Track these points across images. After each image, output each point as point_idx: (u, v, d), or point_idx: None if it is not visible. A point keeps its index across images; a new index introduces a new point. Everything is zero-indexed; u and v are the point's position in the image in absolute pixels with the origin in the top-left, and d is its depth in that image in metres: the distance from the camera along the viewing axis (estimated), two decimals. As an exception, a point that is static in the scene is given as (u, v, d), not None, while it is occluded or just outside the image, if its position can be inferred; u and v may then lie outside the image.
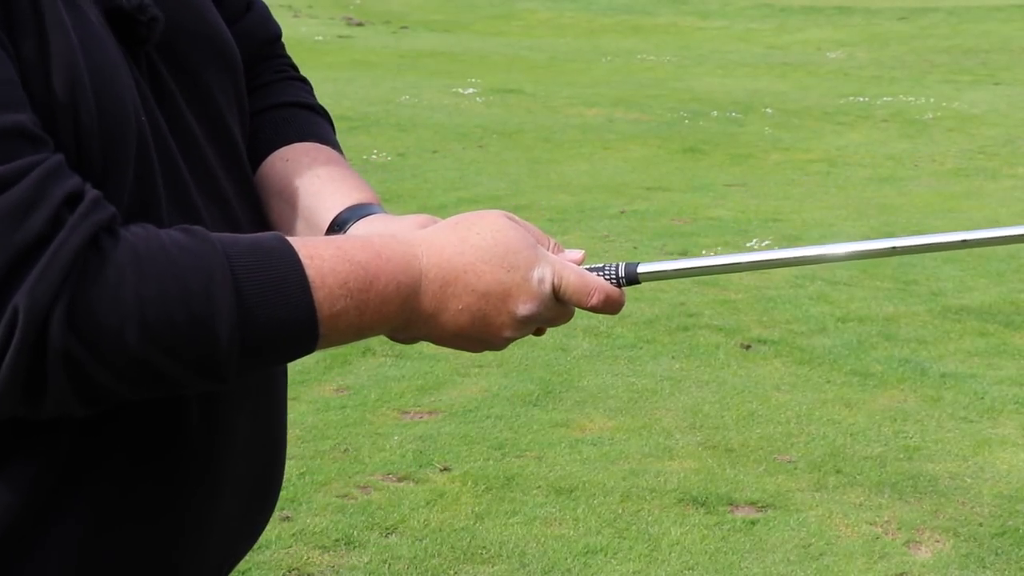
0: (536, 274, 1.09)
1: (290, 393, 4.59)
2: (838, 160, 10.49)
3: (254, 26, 1.35)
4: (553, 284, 1.10)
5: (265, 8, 1.40)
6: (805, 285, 6.33)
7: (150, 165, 1.05)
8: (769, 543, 3.59)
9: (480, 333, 1.09)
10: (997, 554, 3.56)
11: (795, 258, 1.18)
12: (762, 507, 3.81)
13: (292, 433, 4.26)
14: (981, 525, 3.72)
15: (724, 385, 4.87)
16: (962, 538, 3.64)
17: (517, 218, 1.13)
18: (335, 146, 1.32)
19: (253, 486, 1.21)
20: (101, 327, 0.92)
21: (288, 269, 0.99)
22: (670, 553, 3.52)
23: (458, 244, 1.07)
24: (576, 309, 1.15)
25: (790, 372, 5.04)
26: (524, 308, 1.08)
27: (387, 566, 3.40)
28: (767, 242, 7.28)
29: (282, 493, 4.34)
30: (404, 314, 1.06)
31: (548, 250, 1.13)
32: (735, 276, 6.50)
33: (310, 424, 4.35)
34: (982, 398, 4.76)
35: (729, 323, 5.65)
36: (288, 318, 0.99)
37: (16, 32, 0.96)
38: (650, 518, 3.72)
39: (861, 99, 13.98)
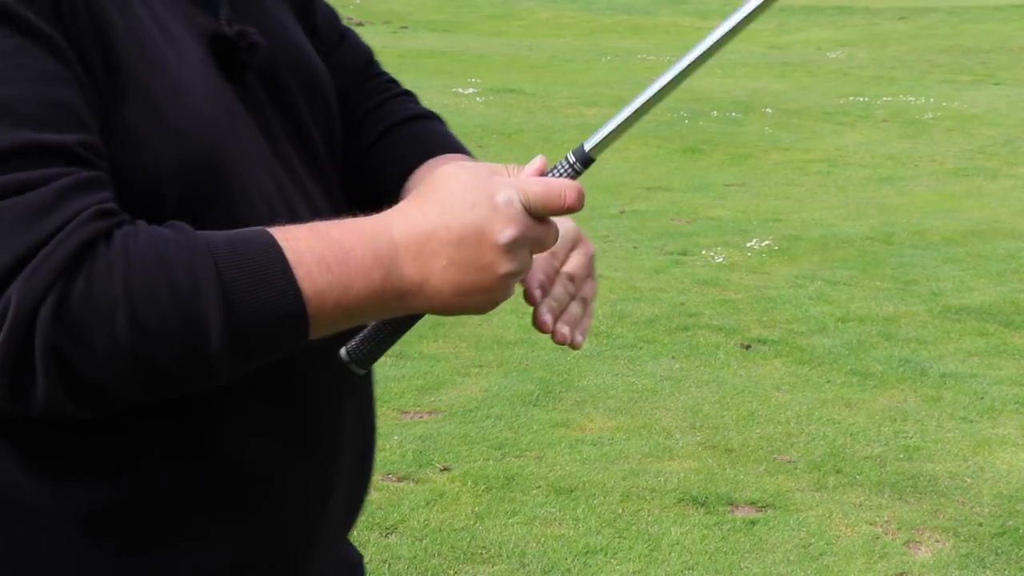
0: (500, 198, 1.07)
1: (290, 393, 4.62)
2: (838, 160, 10.50)
3: (351, 55, 1.37)
4: (521, 201, 1.08)
5: (355, 35, 1.41)
6: (805, 285, 6.33)
7: (250, 197, 1.09)
8: (769, 543, 3.59)
9: (477, 281, 1.06)
10: (997, 554, 3.56)
11: (716, 42, 1.11)
12: (762, 507, 3.81)
13: (292, 433, 4.26)
14: (981, 525, 3.72)
15: (724, 385, 4.86)
16: (962, 538, 3.64)
17: (468, 159, 1.13)
18: (461, 148, 1.32)
19: (352, 480, 1.27)
20: (88, 320, 0.93)
21: (265, 251, 1.00)
22: (670, 553, 3.52)
23: (420, 207, 1.07)
24: (561, 231, 1.16)
25: (790, 372, 5.04)
26: (504, 234, 1.06)
27: (387, 566, 3.40)
28: (767, 242, 7.28)
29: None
30: (392, 287, 1.05)
31: (507, 175, 1.13)
32: (735, 276, 6.50)
33: (310, 424, 4.35)
34: (982, 398, 4.76)
35: (729, 323, 5.65)
36: (273, 299, 0.99)
37: (115, 76, 1.00)
38: (650, 518, 3.72)
39: (861, 99, 13.98)
